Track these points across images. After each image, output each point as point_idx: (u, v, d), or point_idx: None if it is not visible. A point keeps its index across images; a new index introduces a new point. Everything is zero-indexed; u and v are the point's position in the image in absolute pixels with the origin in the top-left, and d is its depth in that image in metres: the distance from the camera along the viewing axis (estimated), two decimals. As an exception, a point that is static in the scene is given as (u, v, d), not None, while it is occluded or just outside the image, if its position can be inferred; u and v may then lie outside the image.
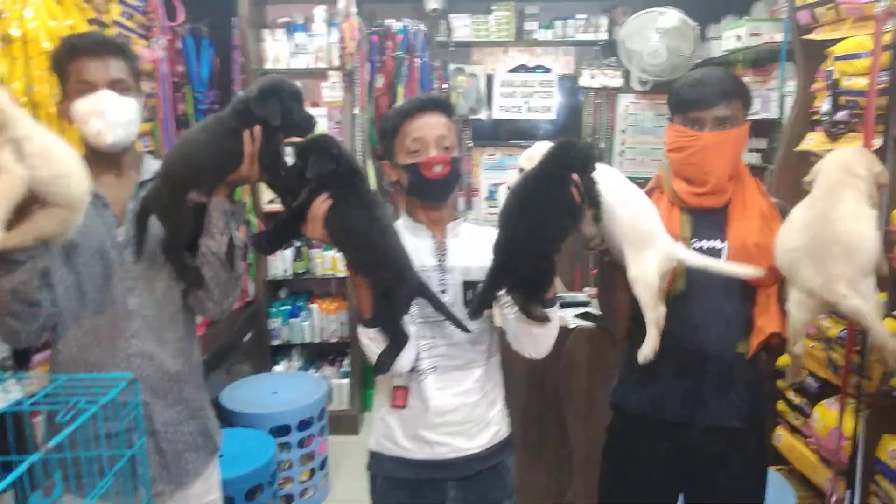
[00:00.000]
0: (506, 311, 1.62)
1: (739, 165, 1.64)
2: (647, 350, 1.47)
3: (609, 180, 1.49)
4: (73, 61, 1.51)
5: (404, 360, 1.52)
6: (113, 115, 1.51)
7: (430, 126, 1.58)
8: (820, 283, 1.37)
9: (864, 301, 1.33)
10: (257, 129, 1.42)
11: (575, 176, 1.38)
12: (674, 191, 1.63)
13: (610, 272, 1.60)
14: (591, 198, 1.40)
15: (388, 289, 1.45)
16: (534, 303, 1.50)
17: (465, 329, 1.54)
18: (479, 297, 1.51)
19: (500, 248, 1.44)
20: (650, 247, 1.47)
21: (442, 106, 1.63)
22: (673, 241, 1.49)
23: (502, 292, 1.56)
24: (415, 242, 1.62)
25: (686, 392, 1.63)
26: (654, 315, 1.46)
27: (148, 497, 1.37)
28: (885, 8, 1.86)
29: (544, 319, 1.51)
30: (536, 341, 1.58)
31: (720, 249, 1.59)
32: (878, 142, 1.92)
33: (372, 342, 1.51)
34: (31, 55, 1.90)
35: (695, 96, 1.56)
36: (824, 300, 1.38)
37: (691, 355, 1.60)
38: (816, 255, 1.37)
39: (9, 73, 1.86)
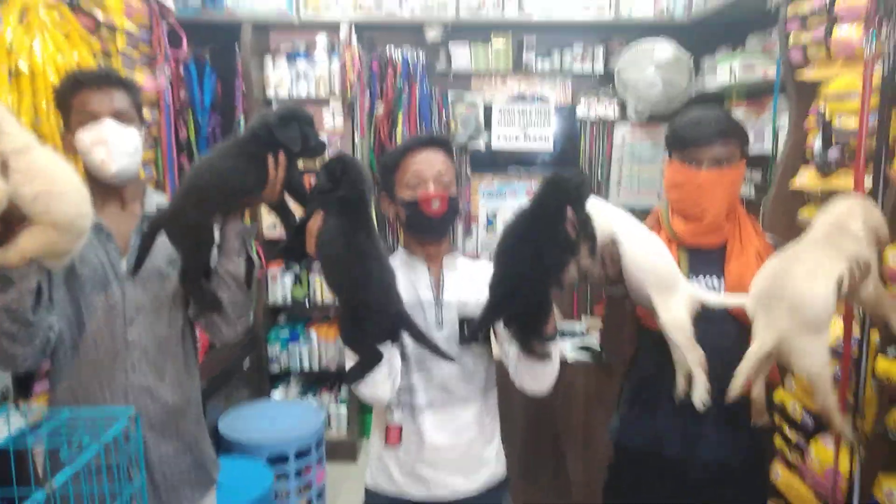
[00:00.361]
0: (506, 347, 1.64)
1: (736, 204, 1.67)
2: (702, 393, 1.48)
3: (628, 226, 1.53)
4: (76, 94, 1.55)
5: (381, 390, 1.49)
6: (116, 143, 1.54)
7: (429, 162, 1.61)
8: (761, 332, 1.43)
9: (803, 357, 1.39)
10: (282, 155, 1.46)
11: (569, 210, 1.40)
12: (672, 229, 1.67)
13: (619, 309, 1.63)
14: (586, 231, 1.42)
15: (356, 314, 1.44)
16: (533, 338, 1.50)
17: (449, 358, 1.55)
18: (472, 328, 1.54)
19: (498, 284, 1.45)
20: (675, 291, 1.49)
21: (441, 143, 1.66)
22: (692, 284, 1.53)
23: (501, 327, 1.58)
24: (411, 277, 1.65)
25: (685, 429, 1.66)
26: (696, 356, 1.48)
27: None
28: (875, 50, 1.91)
29: (545, 356, 1.52)
30: (538, 378, 1.59)
31: (717, 287, 1.62)
32: (868, 182, 1.95)
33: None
34: (39, 89, 1.93)
35: (693, 135, 1.61)
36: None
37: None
38: (766, 306, 1.42)
39: (16, 106, 1.89)
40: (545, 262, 1.40)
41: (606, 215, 1.52)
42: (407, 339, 1.59)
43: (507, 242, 1.45)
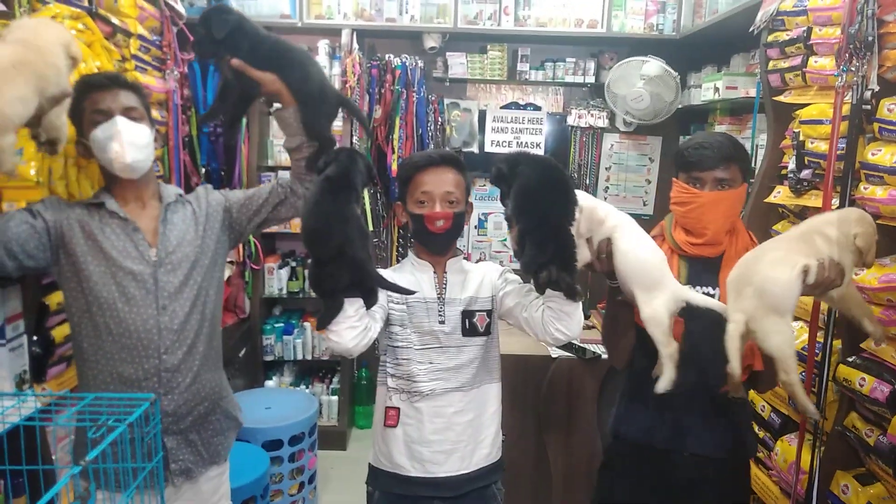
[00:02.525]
0: (529, 314, 1.73)
1: (736, 221, 1.81)
2: (665, 383, 1.62)
3: (623, 224, 1.66)
4: (87, 97, 1.66)
5: (345, 339, 1.60)
6: (128, 136, 1.65)
7: (439, 181, 1.74)
8: (730, 310, 1.60)
9: (768, 337, 1.55)
10: None
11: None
12: (674, 240, 1.80)
13: (619, 308, 1.76)
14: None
15: (319, 261, 1.60)
16: (569, 273, 1.60)
17: (409, 293, 1.71)
18: (528, 259, 1.61)
19: (532, 227, 1.60)
20: (659, 289, 1.63)
21: (453, 162, 1.79)
22: (680, 284, 1.66)
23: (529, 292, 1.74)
24: (418, 277, 1.79)
25: (675, 422, 1.79)
26: (668, 351, 1.62)
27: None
28: (845, 82, 2.07)
29: (575, 292, 1.61)
30: (570, 318, 1.66)
31: (713, 295, 1.75)
32: (835, 202, 2.11)
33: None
34: (64, 95, 2.04)
35: (697, 158, 1.73)
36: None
37: (679, 388, 1.76)
38: (737, 291, 1.59)
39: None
40: (559, 203, 1.60)
41: (607, 211, 1.67)
42: (413, 331, 1.74)
43: (523, 195, 1.61)
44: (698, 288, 1.76)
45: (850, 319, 1.70)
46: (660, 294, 1.63)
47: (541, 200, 1.59)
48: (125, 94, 1.69)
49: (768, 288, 1.55)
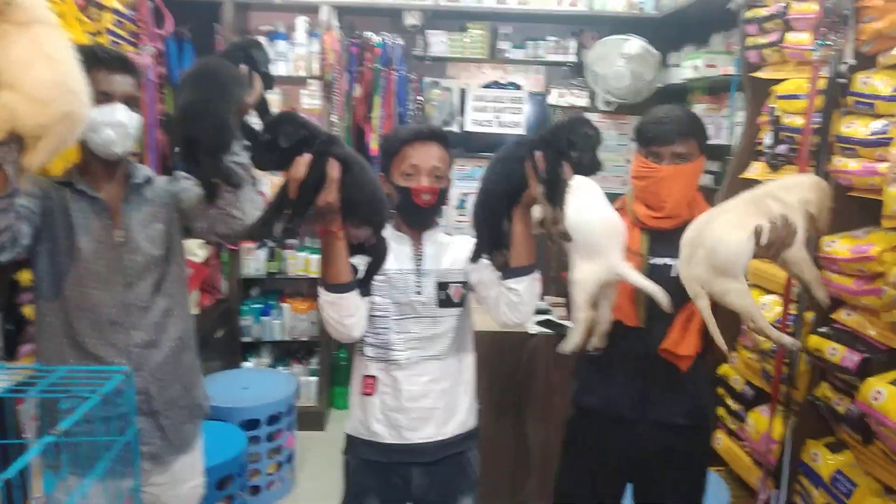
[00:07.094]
0: (491, 293, 1.74)
1: (695, 193, 1.83)
2: (569, 346, 1.68)
3: (581, 188, 1.63)
4: (91, 70, 1.56)
5: (359, 328, 1.67)
6: (128, 128, 1.63)
7: (427, 156, 1.73)
8: (684, 276, 1.64)
9: (726, 296, 1.58)
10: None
11: (539, 154, 1.53)
12: (635, 213, 1.83)
13: None
14: (549, 174, 1.53)
15: (380, 227, 1.62)
16: (485, 251, 1.67)
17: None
18: (474, 249, 1.69)
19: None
20: (596, 259, 1.64)
21: (440, 137, 1.78)
22: (620, 259, 1.66)
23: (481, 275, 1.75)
24: (397, 249, 1.79)
25: (636, 391, 1.82)
26: (580, 315, 1.65)
27: (137, 482, 1.50)
28: (821, 56, 2.08)
29: (504, 264, 1.65)
30: (516, 307, 1.68)
31: (672, 266, 1.77)
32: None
33: (331, 306, 1.63)
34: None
35: (656, 133, 1.75)
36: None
37: (641, 358, 1.79)
38: (690, 255, 1.63)
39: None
40: (493, 189, 1.61)
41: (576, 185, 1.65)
42: (391, 301, 1.76)
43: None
44: (658, 259, 1.79)
45: (801, 284, 1.72)
46: (595, 264, 1.64)
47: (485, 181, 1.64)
48: (128, 79, 1.66)
49: (720, 250, 1.57)
